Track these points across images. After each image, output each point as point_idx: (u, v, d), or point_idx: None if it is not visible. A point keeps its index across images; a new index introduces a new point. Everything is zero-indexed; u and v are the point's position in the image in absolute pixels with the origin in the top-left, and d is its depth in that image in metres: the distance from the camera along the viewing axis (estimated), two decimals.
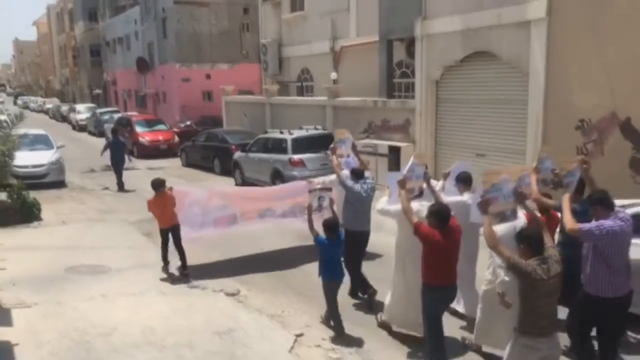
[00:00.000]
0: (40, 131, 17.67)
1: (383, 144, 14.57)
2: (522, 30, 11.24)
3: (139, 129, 23.75)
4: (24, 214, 11.67)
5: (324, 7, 19.74)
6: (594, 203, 5.00)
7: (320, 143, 13.56)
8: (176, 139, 23.39)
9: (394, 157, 14.03)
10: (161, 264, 8.59)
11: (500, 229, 4.96)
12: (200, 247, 8.95)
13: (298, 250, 9.35)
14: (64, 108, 44.62)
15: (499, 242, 4.50)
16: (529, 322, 4.33)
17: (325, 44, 19.71)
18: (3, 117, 14.46)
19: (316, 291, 7.41)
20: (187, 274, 8.33)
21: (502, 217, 5.05)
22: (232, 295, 7.68)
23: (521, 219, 5.34)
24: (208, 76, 30.95)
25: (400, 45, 15.78)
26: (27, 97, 72.35)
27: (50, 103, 54.13)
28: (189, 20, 31.07)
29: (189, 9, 30.92)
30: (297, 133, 14.68)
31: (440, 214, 5.25)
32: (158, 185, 8.32)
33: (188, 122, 26.76)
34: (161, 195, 8.31)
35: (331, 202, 7.53)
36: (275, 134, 15.37)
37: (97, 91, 49.66)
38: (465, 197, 6.38)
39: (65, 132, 32.32)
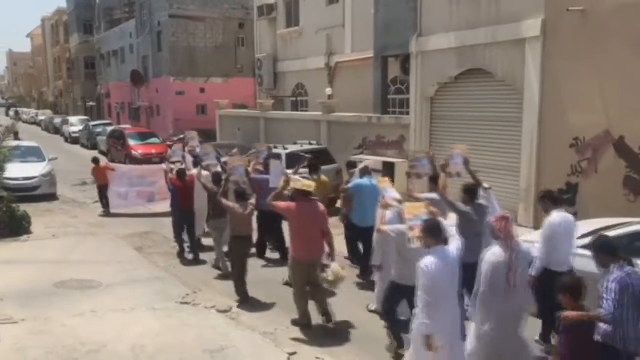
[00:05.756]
0: (33, 143, 17.53)
1: (377, 160, 14.50)
2: (517, 48, 11.29)
3: (132, 142, 23.64)
4: (13, 227, 11.50)
5: (320, 23, 19.81)
6: None
7: (315, 158, 13.45)
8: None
9: (388, 173, 13.97)
10: (153, 279, 8.88)
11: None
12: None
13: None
14: (57, 120, 44.44)
15: None
16: None
17: (321, 59, 19.75)
18: None
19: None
20: (109, 212, 13.58)
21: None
22: (224, 312, 7.56)
23: None
24: (202, 90, 30.94)
25: (395, 62, 15.82)
26: (19, 109, 72.02)
27: (43, 115, 53.92)
28: (184, 34, 31.13)
29: (185, 23, 31.00)
30: (292, 148, 14.61)
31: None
32: (97, 161, 14.30)
33: (181, 136, 26.64)
34: (98, 167, 14.05)
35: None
36: None
37: (91, 104, 49.53)
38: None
39: (57, 145, 32.14)
